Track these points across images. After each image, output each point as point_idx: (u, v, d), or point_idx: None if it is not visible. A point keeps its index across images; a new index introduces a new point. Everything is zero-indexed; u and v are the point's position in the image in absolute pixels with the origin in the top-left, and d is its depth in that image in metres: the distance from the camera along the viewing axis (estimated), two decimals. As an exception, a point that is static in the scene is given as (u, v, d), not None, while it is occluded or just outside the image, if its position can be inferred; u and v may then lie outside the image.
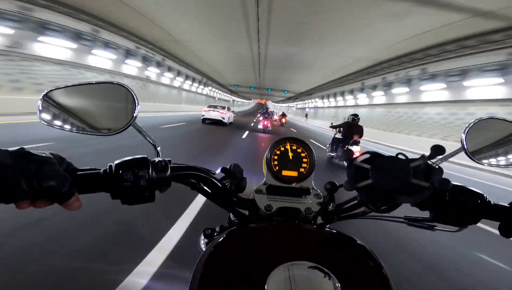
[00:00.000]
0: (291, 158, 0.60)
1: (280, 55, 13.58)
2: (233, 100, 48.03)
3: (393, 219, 0.48)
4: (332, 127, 6.17)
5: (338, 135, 5.93)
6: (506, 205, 0.42)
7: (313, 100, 28.65)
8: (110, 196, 0.38)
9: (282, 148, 0.60)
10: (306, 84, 22.21)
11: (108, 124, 0.44)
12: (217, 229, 0.53)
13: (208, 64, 18.63)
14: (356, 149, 5.22)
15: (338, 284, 0.31)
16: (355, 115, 5.67)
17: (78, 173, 0.37)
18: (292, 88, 26.21)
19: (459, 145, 0.44)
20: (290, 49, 11.65)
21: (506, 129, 0.47)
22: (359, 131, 5.51)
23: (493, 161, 0.46)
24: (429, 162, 0.42)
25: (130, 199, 0.40)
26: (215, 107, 12.34)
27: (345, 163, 0.44)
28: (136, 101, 0.43)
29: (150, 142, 0.45)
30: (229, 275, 0.34)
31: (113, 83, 0.45)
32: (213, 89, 28.96)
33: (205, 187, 0.49)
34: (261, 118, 11.88)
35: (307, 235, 0.45)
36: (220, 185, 0.50)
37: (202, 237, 0.54)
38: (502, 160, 0.47)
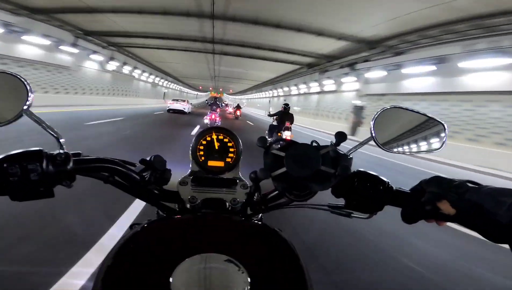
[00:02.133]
0: (217, 148, 0.64)
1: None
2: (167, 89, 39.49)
3: (316, 207, 0.54)
4: (270, 115, 8.28)
5: (275, 123, 7.74)
6: (407, 191, 0.48)
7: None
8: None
9: (208, 138, 0.64)
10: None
11: None
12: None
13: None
14: (287, 134, 7.15)
15: (248, 278, 0.35)
16: (286, 104, 7.62)
17: None
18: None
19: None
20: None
21: (409, 118, 0.55)
22: (290, 118, 7.47)
23: (399, 148, 0.54)
24: (339, 150, 0.48)
25: (20, 195, 0.42)
26: (177, 100, 18.97)
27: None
28: (29, 90, 0.47)
29: (50, 133, 0.47)
30: (137, 267, 0.38)
31: (2, 72, 0.48)
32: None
33: (121, 181, 0.52)
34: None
35: (229, 227, 0.49)
36: (139, 178, 0.52)
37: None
38: (407, 147, 0.54)
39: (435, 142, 0.54)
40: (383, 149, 0.53)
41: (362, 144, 0.50)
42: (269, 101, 36.59)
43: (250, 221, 0.55)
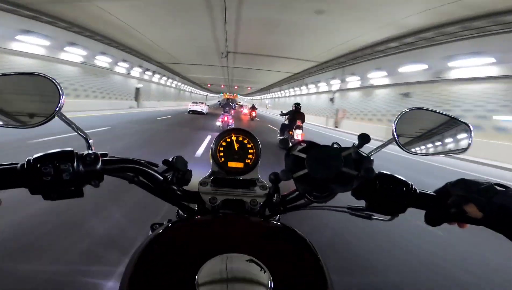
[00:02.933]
0: (236, 149, 0.65)
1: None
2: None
3: (335, 208, 0.55)
4: (282, 114, 8.75)
5: (286, 122, 8.23)
6: (431, 193, 0.49)
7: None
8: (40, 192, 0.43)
9: (228, 139, 0.66)
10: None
11: (31, 116, 0.48)
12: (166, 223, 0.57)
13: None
14: (298, 133, 7.46)
15: (270, 278, 0.36)
16: (297, 104, 8.02)
17: None
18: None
19: None
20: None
21: (432, 119, 0.55)
22: (301, 117, 7.81)
23: (421, 150, 0.54)
24: (361, 152, 0.48)
25: (53, 194, 0.43)
26: (196, 103, 23.36)
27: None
28: (61, 92, 0.48)
29: (80, 134, 0.49)
30: (162, 267, 0.39)
31: (35, 74, 0.50)
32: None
33: (145, 181, 0.54)
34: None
35: (249, 228, 0.51)
36: (162, 178, 0.55)
37: (150, 232, 0.57)
38: (429, 149, 0.54)
39: (460, 143, 0.54)
40: (405, 151, 0.53)
41: (383, 145, 0.51)
42: (331, 99, 19.91)
43: (269, 221, 0.57)
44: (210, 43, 16.55)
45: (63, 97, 0.47)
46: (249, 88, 50.53)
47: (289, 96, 34.95)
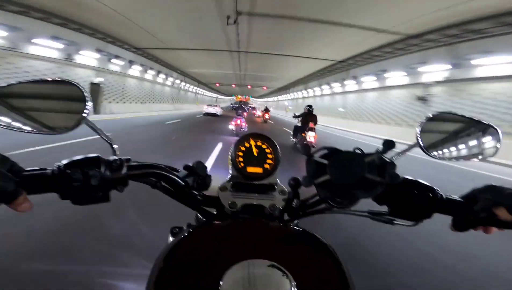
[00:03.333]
0: (256, 154, 0.65)
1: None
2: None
3: (356, 213, 0.54)
4: (295, 116, 8.59)
5: (299, 124, 8.13)
6: (458, 198, 0.48)
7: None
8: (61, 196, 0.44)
9: (247, 144, 0.66)
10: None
11: (58, 122, 0.49)
12: (185, 228, 0.59)
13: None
14: (311, 135, 7.43)
15: (294, 283, 0.36)
16: (310, 106, 8.04)
17: (24, 173, 0.42)
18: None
19: None
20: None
21: (457, 123, 0.55)
22: (314, 119, 7.77)
23: (445, 154, 0.53)
24: (385, 157, 0.48)
25: (81, 199, 0.44)
26: (210, 105, 25.43)
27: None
28: (87, 98, 0.48)
29: (105, 139, 0.50)
30: (186, 272, 0.40)
31: (62, 80, 0.50)
32: None
33: (167, 186, 0.56)
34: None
35: (270, 233, 0.51)
36: (183, 183, 0.56)
37: (170, 236, 0.61)
38: (454, 153, 0.54)
39: (486, 147, 0.53)
40: (429, 156, 0.52)
41: (407, 150, 0.51)
42: (422, 98, 11.79)
43: (290, 226, 0.57)
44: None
45: (90, 103, 0.48)
46: (264, 88, 42.57)
47: (320, 95, 26.04)
